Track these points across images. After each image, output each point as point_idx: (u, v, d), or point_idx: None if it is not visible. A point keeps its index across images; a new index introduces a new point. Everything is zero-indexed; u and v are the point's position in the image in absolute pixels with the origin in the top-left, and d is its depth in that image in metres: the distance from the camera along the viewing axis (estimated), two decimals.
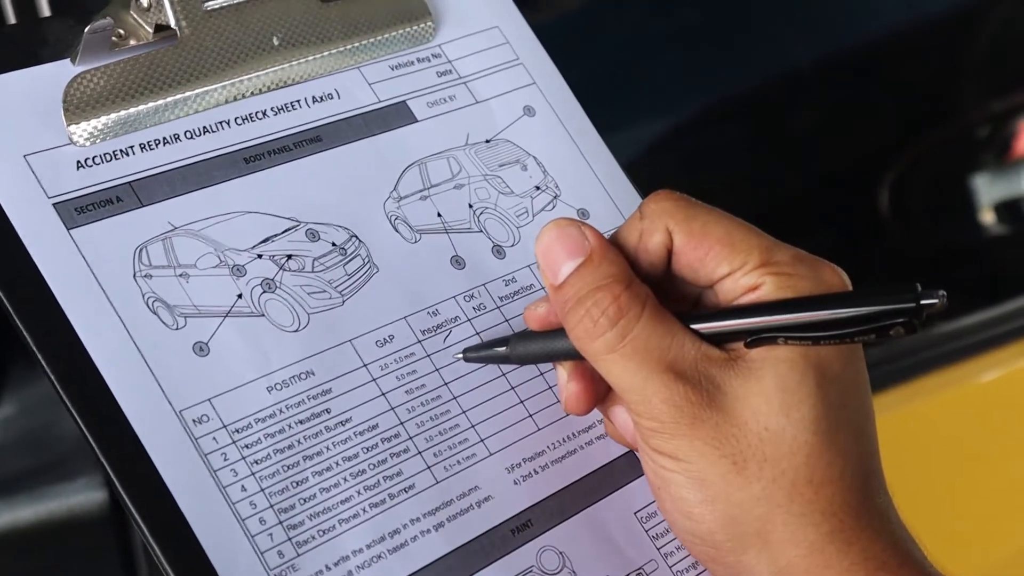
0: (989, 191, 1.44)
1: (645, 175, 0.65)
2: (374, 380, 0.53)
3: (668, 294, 0.50)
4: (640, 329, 0.48)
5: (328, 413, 0.51)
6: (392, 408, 0.53)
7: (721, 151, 1.39)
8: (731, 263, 0.49)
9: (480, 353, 0.54)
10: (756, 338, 0.47)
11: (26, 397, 0.94)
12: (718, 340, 0.49)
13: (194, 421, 0.49)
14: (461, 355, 0.54)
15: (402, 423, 0.53)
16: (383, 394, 0.53)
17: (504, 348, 0.53)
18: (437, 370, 0.54)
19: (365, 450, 0.51)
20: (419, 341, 0.55)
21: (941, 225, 1.48)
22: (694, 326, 0.49)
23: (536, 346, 0.52)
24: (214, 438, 0.49)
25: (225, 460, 0.49)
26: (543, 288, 0.58)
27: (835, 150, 1.43)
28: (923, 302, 0.46)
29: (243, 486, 0.49)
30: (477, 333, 0.56)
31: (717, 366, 0.48)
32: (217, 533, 0.47)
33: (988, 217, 1.45)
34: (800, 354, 0.47)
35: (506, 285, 0.58)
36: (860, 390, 0.49)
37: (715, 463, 0.47)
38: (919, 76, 1.48)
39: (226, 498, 0.48)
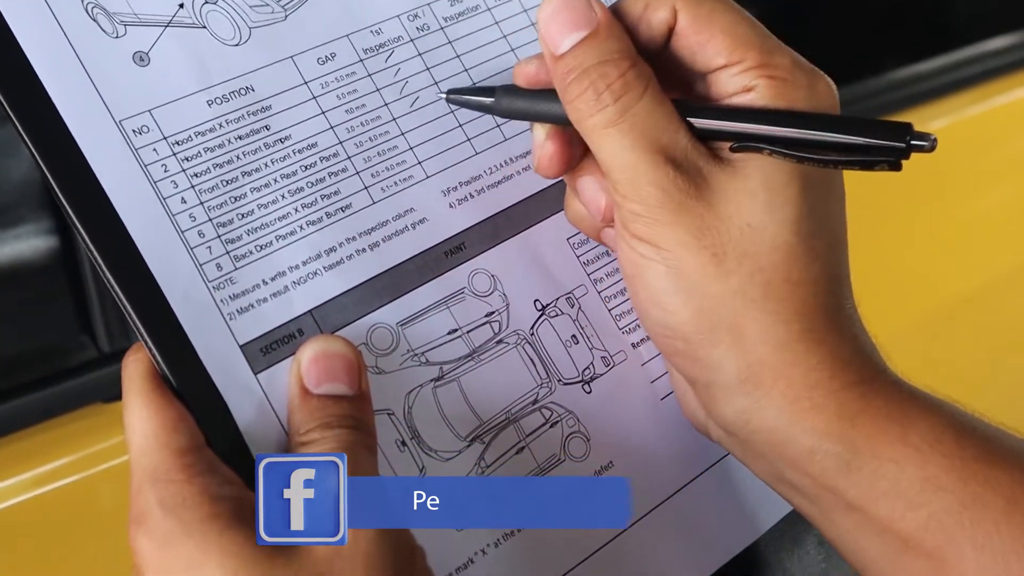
0: None
1: None
2: (314, 98, 0.52)
3: (662, 74, 0.50)
4: (641, 108, 0.48)
5: (267, 130, 0.51)
6: (331, 127, 0.53)
7: None
8: (729, 56, 0.48)
9: (462, 97, 0.53)
10: (743, 145, 0.48)
11: None
12: (707, 136, 0.49)
13: (134, 131, 0.49)
14: (444, 94, 0.54)
15: (341, 143, 0.53)
16: (323, 112, 0.53)
17: (489, 99, 0.52)
18: (378, 90, 0.54)
19: (303, 168, 0.51)
20: (361, 60, 0.54)
21: None
22: (687, 118, 0.48)
23: (522, 103, 0.52)
24: (154, 149, 0.49)
25: (165, 172, 0.49)
26: (490, 9, 0.57)
27: None
28: (913, 142, 0.46)
29: (183, 198, 0.49)
30: (419, 54, 0.55)
31: (707, 159, 0.48)
32: (158, 245, 0.48)
33: None
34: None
35: (451, 5, 0.57)
36: (838, 198, 0.50)
37: (695, 253, 0.47)
38: None
39: (166, 210, 0.48)
